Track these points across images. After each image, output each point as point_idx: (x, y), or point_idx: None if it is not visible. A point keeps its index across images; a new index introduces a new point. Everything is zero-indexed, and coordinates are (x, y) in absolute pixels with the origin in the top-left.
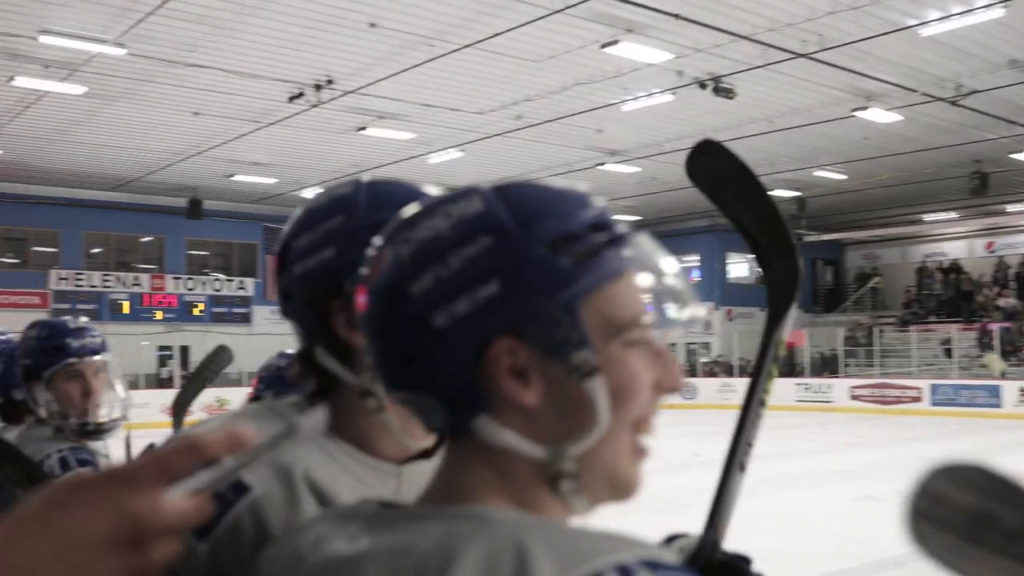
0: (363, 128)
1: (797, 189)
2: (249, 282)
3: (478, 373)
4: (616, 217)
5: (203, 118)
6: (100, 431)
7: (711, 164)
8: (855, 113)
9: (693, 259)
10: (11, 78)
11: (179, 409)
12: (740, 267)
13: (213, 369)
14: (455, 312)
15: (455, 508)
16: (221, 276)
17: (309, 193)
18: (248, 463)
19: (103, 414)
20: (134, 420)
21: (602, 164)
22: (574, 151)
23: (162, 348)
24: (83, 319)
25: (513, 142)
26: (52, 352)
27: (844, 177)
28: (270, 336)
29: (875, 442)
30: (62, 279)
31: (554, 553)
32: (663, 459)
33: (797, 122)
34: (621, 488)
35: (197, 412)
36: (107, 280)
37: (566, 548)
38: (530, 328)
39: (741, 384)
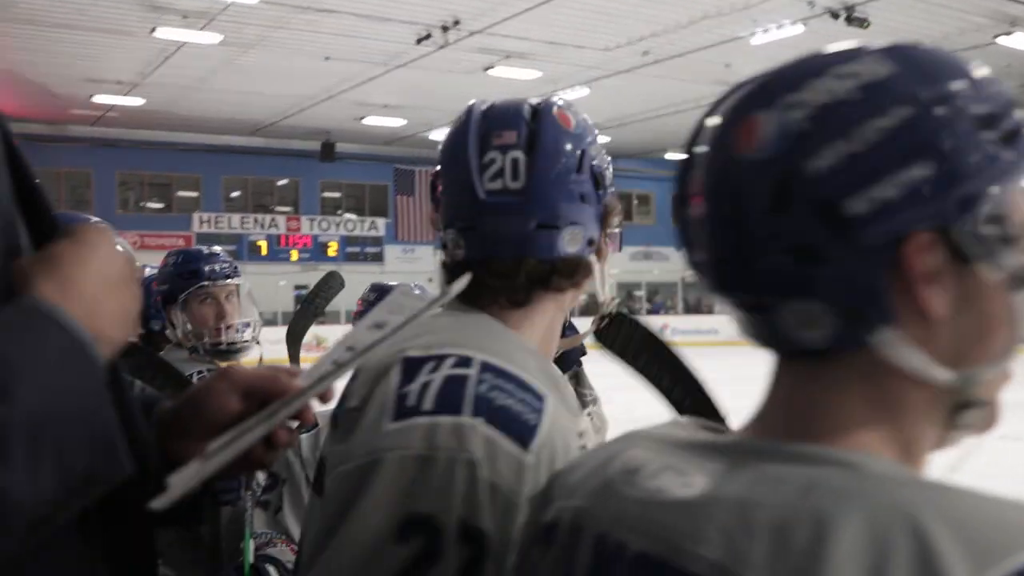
0: (490, 68)
1: None
2: (380, 222)
3: (889, 274)
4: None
5: (334, 62)
6: (231, 351)
7: (619, 333)
8: (997, 40)
9: None
10: (152, 29)
11: (293, 339)
12: None
13: (324, 296)
14: (876, 197)
15: (816, 448)
16: (353, 216)
17: (437, 134)
18: (401, 327)
19: (234, 335)
20: (270, 356)
21: None
22: (701, 87)
23: (298, 287)
24: (216, 248)
25: (639, 79)
26: (187, 276)
27: None
28: (401, 274)
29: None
30: (204, 222)
31: (965, 545)
32: None
33: None
34: (992, 419)
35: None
36: (246, 222)
37: (978, 538)
38: (959, 222)
39: None
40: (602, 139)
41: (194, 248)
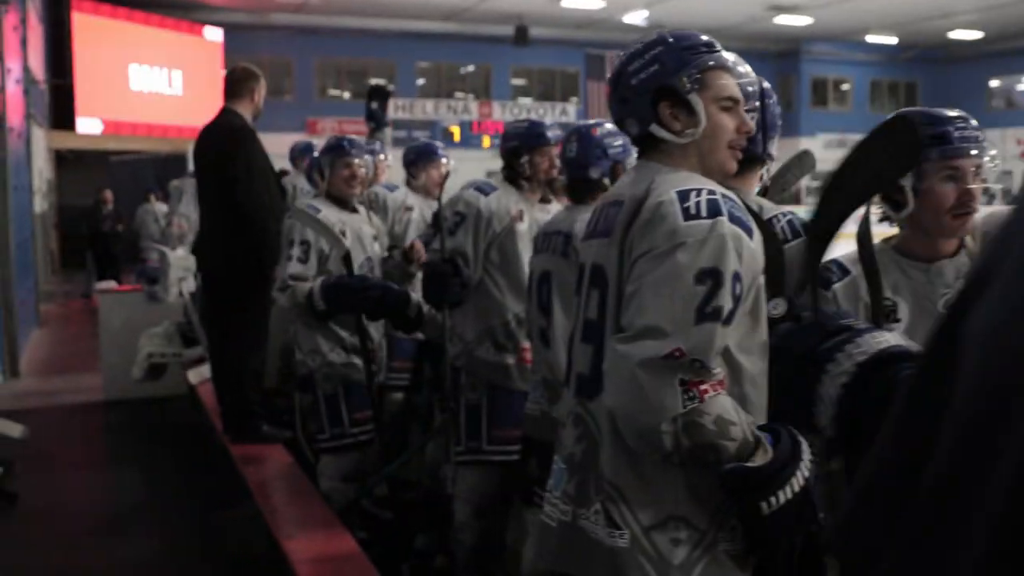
0: None
1: None
2: (571, 107)
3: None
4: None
5: None
6: None
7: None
8: None
9: None
10: None
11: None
12: None
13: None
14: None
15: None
16: (545, 103)
17: (631, 17)
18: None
19: None
20: None
21: None
22: None
23: (490, 173)
24: None
25: None
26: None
27: None
28: None
29: None
30: (399, 107)
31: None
32: None
33: None
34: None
35: None
36: (439, 108)
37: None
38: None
39: None
40: (804, 20)
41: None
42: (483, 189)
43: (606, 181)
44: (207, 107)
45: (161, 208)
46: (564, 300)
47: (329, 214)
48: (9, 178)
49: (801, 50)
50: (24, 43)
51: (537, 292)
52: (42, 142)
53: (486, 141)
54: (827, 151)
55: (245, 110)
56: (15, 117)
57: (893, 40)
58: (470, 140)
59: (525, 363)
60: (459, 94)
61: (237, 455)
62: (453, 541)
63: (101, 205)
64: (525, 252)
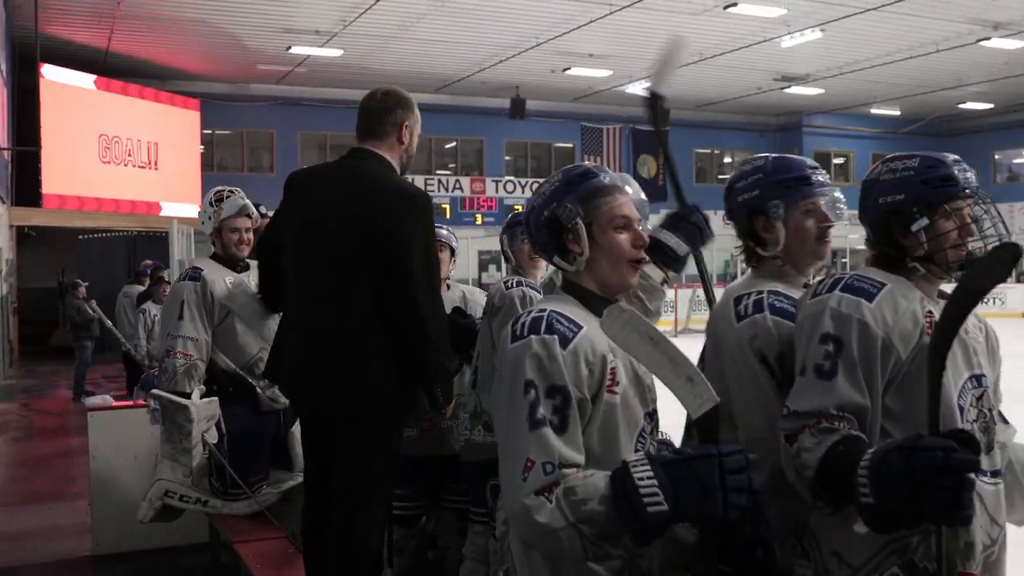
0: (732, 5)
1: None
2: None
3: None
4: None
5: (554, 3)
6: None
7: None
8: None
9: None
10: None
11: None
12: None
13: None
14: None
15: None
16: (541, 179)
17: (633, 88)
18: None
19: None
20: None
21: (985, 40)
22: (951, 25)
23: (482, 252)
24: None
25: (883, 17)
26: None
27: None
28: None
29: None
30: None
31: None
32: None
33: None
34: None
35: None
36: (429, 183)
37: None
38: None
39: None
40: (814, 91)
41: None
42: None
43: None
44: (183, 181)
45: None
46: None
47: None
48: None
49: (803, 123)
50: None
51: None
52: (3, 218)
53: (479, 218)
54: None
55: (394, 157)
56: None
57: (896, 112)
58: (461, 217)
59: None
60: (449, 168)
61: None
62: None
63: (70, 292)
64: None
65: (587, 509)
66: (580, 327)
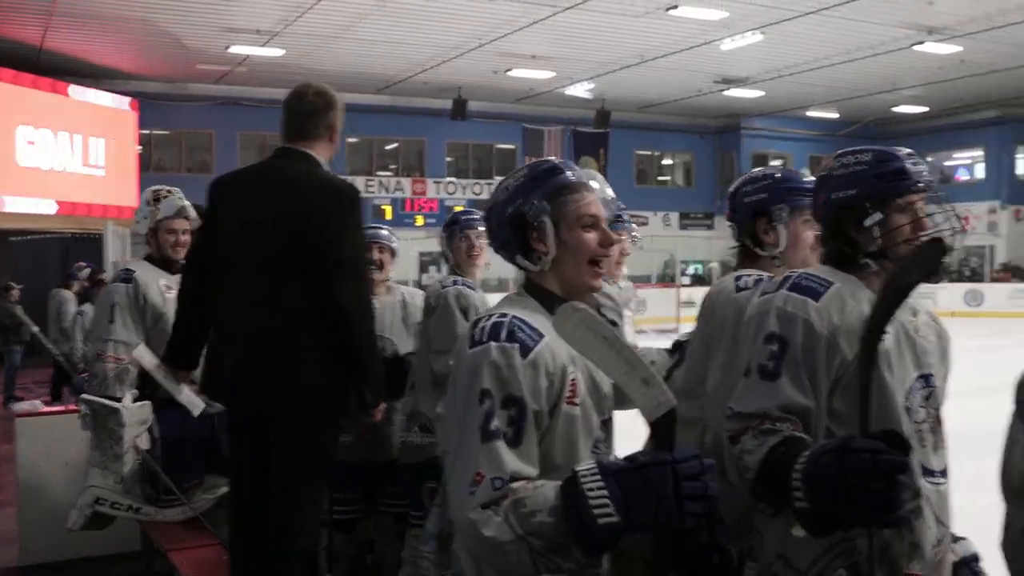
0: (673, 7)
1: None
2: None
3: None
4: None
5: (497, 4)
6: None
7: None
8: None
9: (976, 153)
10: None
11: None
12: None
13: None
14: None
15: None
16: (482, 181)
17: (574, 90)
18: None
19: None
20: None
21: (918, 44)
22: (887, 29)
23: (423, 254)
24: None
25: (822, 21)
26: None
27: None
28: None
29: None
30: None
31: None
32: None
33: None
34: None
35: None
36: (370, 185)
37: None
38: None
39: None
40: (753, 93)
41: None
42: None
43: None
44: (120, 182)
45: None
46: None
47: None
48: None
49: (742, 125)
50: None
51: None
52: None
53: (420, 220)
54: None
55: (323, 155)
56: None
57: (834, 115)
58: (402, 219)
59: None
60: (390, 169)
61: None
62: None
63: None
64: None
65: (536, 522)
66: (542, 336)
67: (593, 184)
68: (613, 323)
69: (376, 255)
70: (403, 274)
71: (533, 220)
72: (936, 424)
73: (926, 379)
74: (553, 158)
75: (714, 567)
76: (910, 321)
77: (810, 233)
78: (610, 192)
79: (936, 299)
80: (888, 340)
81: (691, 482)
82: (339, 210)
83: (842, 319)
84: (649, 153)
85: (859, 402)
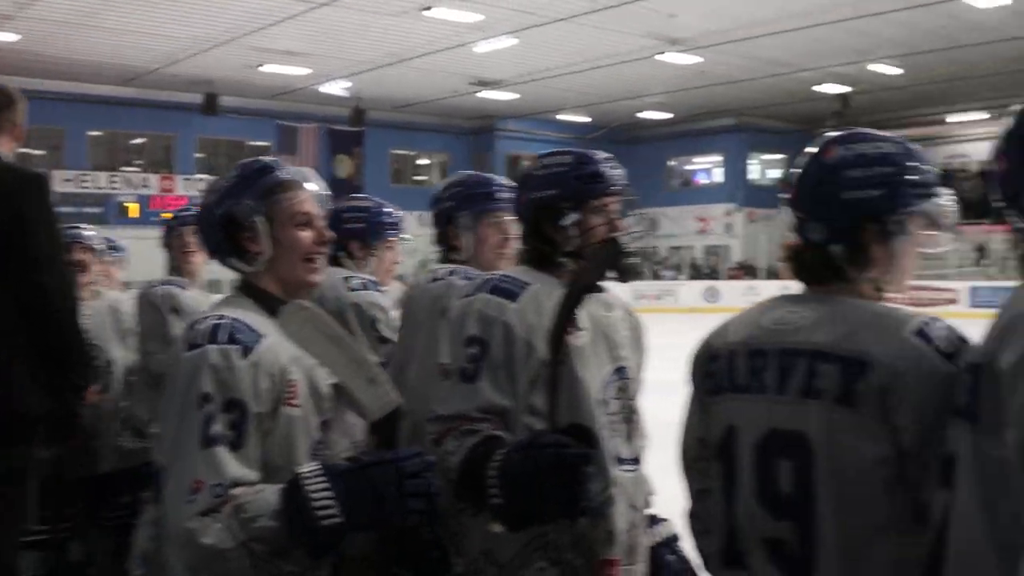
0: (427, 8)
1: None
2: None
3: None
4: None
5: None
6: None
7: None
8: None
9: (716, 159)
10: None
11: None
12: (760, 168)
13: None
14: None
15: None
16: None
17: (330, 87)
18: None
19: None
20: None
21: (661, 53)
22: (633, 39)
23: None
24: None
25: (573, 28)
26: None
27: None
28: None
29: None
30: (67, 180)
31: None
32: None
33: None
34: None
35: None
36: (114, 181)
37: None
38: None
39: (768, 288)
40: (507, 96)
41: None
42: None
43: None
44: None
45: None
46: None
47: None
48: None
49: (496, 127)
50: None
51: None
52: None
53: (168, 217)
54: None
55: (7, 151)
56: None
57: (586, 119)
58: (149, 216)
59: None
60: (136, 165)
61: None
62: None
63: None
64: None
65: (258, 526)
66: (262, 336)
67: (307, 183)
68: (387, 340)
69: (79, 255)
70: (149, 275)
71: (244, 220)
72: (630, 414)
73: (620, 372)
74: (265, 158)
75: (433, 563)
76: (604, 317)
77: (497, 236)
78: (325, 189)
79: (677, 296)
80: (584, 337)
81: (414, 480)
82: (29, 197)
83: (538, 319)
84: (405, 153)
85: (547, 398)
